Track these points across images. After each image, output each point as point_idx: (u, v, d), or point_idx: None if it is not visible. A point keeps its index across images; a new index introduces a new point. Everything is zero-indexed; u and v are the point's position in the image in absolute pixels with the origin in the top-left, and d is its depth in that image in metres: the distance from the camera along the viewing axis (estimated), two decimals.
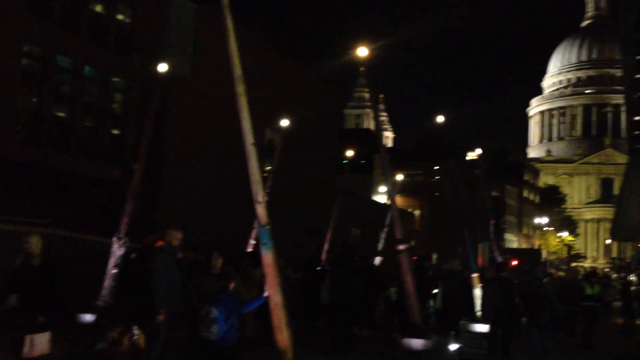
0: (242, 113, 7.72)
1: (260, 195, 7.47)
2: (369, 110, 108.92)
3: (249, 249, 15.71)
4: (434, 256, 49.24)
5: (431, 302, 13.01)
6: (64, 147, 21.02)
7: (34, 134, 20.19)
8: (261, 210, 7.41)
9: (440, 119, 19.77)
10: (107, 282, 10.01)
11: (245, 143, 7.63)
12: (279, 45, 29.96)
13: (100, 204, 21.68)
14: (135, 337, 5.71)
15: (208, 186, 24.39)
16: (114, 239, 10.47)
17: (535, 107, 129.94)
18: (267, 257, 7.34)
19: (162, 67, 14.61)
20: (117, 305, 9.24)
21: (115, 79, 23.01)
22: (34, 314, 7.31)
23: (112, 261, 10.10)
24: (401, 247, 10.69)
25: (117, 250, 10.24)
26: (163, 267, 8.71)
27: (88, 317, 9.48)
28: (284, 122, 19.10)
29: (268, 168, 20.63)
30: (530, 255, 41.46)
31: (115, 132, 23.35)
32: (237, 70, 7.77)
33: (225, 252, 9.98)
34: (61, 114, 21.55)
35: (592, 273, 19.95)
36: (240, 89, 7.75)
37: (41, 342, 7.19)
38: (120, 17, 23.16)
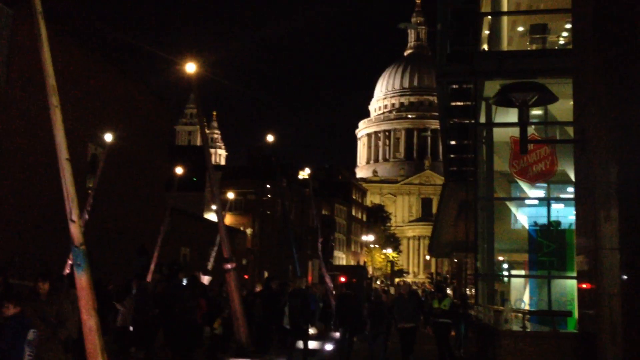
0: (55, 126, 7.24)
1: (74, 214, 7.02)
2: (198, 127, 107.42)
3: (67, 270, 14.73)
4: (265, 274, 49.58)
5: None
6: None
7: None
8: (75, 230, 6.97)
9: (270, 137, 20.04)
10: None
11: (59, 158, 7.16)
12: (106, 59, 28.63)
13: None
14: None
15: (22, 201, 22.58)
16: None
17: (363, 129, 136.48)
18: (82, 279, 6.92)
19: None
20: None
21: None
22: None
23: None
24: (228, 266, 10.60)
25: None
26: None
27: None
28: (108, 137, 18.25)
29: (91, 185, 19.59)
30: (356, 272, 43.13)
31: None
32: (51, 80, 7.30)
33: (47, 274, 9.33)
34: None
35: (439, 288, 19.21)
36: (54, 100, 7.27)
37: None
38: None
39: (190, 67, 12.21)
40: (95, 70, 26.79)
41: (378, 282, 69.82)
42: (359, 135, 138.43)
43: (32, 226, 21.42)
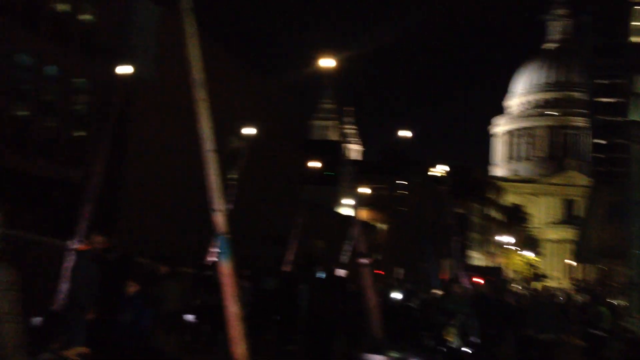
0: (201, 119, 7.47)
1: (218, 204, 7.22)
2: (335, 122, 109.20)
3: (212, 258, 15.36)
4: (401, 271, 49.27)
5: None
6: (21, 146, 20.40)
7: None
8: (219, 219, 7.16)
9: (405, 133, 19.76)
10: (62, 286, 9.78)
11: (204, 149, 7.39)
12: (244, 55, 29.77)
13: (59, 206, 21.09)
14: (80, 352, 5.42)
15: (170, 191, 23.94)
16: (71, 241, 10.27)
17: (501, 126, 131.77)
18: (225, 266, 7.10)
19: (125, 69, 14.31)
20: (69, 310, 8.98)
21: (78, 80, 22.47)
22: None
23: (68, 264, 9.81)
24: (364, 260, 10.53)
25: (73, 253, 10.01)
26: (82, 269, 8.75)
27: (36, 321, 9.20)
28: (249, 131, 18.86)
29: (231, 176, 20.37)
30: (492, 273, 41.69)
31: (77, 133, 22.78)
32: (198, 75, 7.55)
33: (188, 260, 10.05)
34: (21, 113, 20.92)
35: (595, 296, 16.94)
36: (201, 94, 7.51)
37: None
38: (84, 17, 22.66)
39: (328, 63, 12.25)
40: (235, 68, 27.84)
41: (515, 285, 67.16)
42: (495, 133, 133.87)
43: (183, 215, 22.66)
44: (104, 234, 9.29)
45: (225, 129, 26.48)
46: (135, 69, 15.73)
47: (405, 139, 20.89)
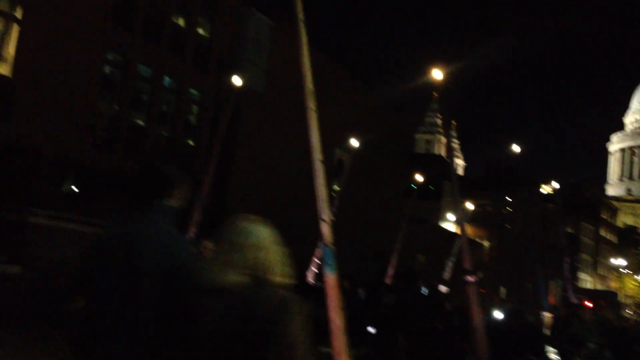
0: (311, 128, 7.49)
1: (325, 214, 7.21)
2: (440, 136, 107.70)
3: (314, 269, 15.47)
4: (501, 290, 47.67)
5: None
6: (138, 153, 21.45)
7: (112, 140, 20.68)
8: (326, 230, 7.14)
9: (515, 148, 19.06)
10: None
11: (313, 159, 7.40)
12: (350, 67, 29.95)
13: None
14: None
15: (276, 201, 24.38)
16: None
17: (616, 143, 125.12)
18: (330, 278, 7.05)
19: (237, 81, 14.73)
20: None
21: (192, 91, 23.41)
22: None
23: None
24: (469, 278, 10.17)
25: None
26: None
27: None
28: (354, 143, 18.88)
29: (335, 188, 20.47)
30: (606, 298, 39.44)
31: (188, 142, 23.70)
32: (309, 84, 7.58)
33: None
34: (139, 122, 22.03)
35: None
36: (311, 104, 7.55)
37: None
38: (199, 30, 23.60)
39: (437, 74, 12.02)
40: (342, 79, 28.03)
41: (628, 312, 63.29)
42: (611, 150, 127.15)
43: (288, 226, 23.01)
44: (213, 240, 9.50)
45: (332, 140, 26.78)
46: (247, 81, 16.16)
47: (514, 154, 20.17)
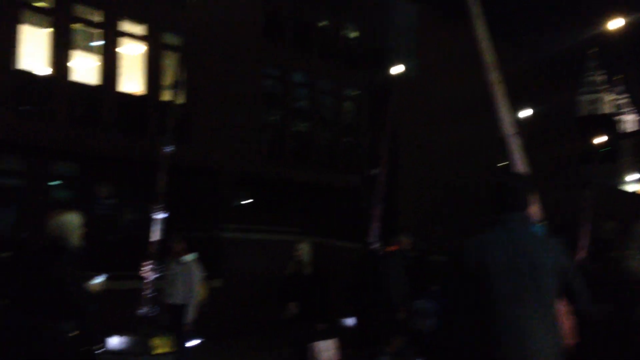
0: (498, 102, 7.09)
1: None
2: (603, 95, 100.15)
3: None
4: None
5: None
6: (304, 159, 22.02)
7: (277, 149, 21.41)
8: (533, 209, 6.72)
9: None
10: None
11: (505, 134, 7.01)
12: (506, 31, 28.63)
13: (341, 211, 22.32)
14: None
15: (442, 189, 24.00)
16: (369, 242, 10.55)
17: None
18: None
19: (394, 71, 14.60)
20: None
21: (347, 90, 23.62)
22: (314, 322, 7.45)
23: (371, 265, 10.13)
24: None
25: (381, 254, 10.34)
26: (394, 270, 8.85)
27: (350, 321, 9.63)
28: (524, 114, 18.01)
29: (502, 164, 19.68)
30: None
31: (348, 141, 23.95)
32: (489, 56, 7.20)
33: None
34: (300, 128, 22.62)
35: None
36: (494, 76, 7.15)
37: (327, 349, 7.29)
38: (347, 29, 23.78)
39: (617, 23, 11.07)
40: (502, 49, 26.90)
41: None
42: None
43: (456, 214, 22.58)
44: (409, 236, 9.49)
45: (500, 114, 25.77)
46: (401, 70, 15.97)
47: None
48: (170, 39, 17.95)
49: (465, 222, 23.48)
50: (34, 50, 15.50)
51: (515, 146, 6.96)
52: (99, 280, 4.84)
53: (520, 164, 6.91)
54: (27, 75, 15.45)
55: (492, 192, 3.56)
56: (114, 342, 9.09)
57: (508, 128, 7.02)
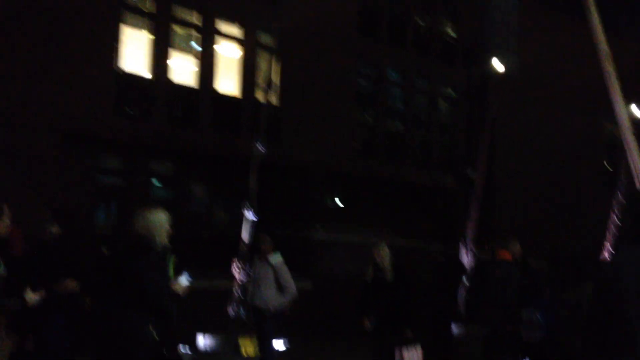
0: (613, 96, 6.48)
1: None
2: None
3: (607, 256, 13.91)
4: None
5: None
6: (397, 158, 21.58)
7: (369, 148, 21.08)
8: None
9: None
10: (461, 292, 9.68)
11: (621, 130, 6.39)
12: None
13: (435, 212, 21.75)
14: None
15: (542, 189, 22.91)
16: (461, 246, 10.16)
17: None
18: None
19: (493, 69, 13.92)
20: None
21: (442, 88, 22.98)
22: (401, 328, 7.20)
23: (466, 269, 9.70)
24: None
25: (466, 258, 9.89)
26: (509, 278, 8.55)
27: (456, 329, 9.27)
28: (636, 110, 16.76)
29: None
30: None
31: (443, 140, 23.31)
32: (604, 46, 6.59)
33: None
34: (393, 127, 22.19)
35: None
36: (608, 65, 6.55)
37: (413, 356, 7.05)
38: (443, 24, 23.12)
39: None
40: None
41: None
42: None
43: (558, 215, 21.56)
44: (518, 241, 9.26)
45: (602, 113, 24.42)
46: (501, 67, 15.25)
47: None
48: (265, 38, 18.01)
49: (569, 226, 22.38)
50: (134, 51, 15.92)
51: (632, 144, 6.34)
52: (183, 280, 4.72)
53: (636, 160, 6.29)
54: (128, 76, 15.89)
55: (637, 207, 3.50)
56: (203, 341, 9.09)
57: (625, 124, 6.41)
